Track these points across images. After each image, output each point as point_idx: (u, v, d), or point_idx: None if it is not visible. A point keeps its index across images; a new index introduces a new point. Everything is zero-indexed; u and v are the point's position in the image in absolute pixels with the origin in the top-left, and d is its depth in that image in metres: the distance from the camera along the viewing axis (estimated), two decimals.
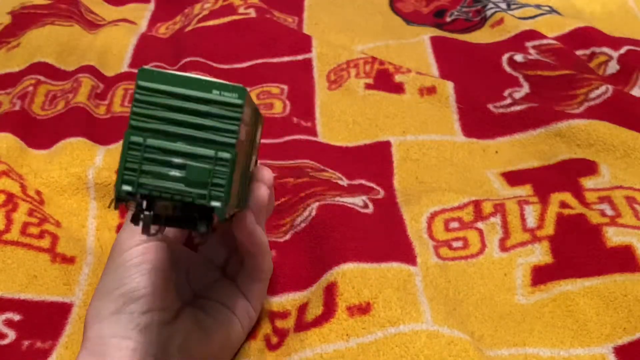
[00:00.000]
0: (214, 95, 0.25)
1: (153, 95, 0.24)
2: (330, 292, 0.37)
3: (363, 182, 0.47)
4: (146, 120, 0.24)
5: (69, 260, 0.41)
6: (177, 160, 0.24)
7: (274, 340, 0.37)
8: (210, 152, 0.24)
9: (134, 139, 0.24)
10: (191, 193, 0.24)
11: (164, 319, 0.32)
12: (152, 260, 0.32)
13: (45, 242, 0.42)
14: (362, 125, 0.52)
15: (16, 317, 0.38)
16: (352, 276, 0.38)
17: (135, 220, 0.25)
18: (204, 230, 0.25)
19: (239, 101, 0.25)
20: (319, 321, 0.36)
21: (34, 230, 0.42)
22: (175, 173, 0.24)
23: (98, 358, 0.31)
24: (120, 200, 0.24)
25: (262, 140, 0.50)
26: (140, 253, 0.32)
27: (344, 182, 0.47)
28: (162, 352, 0.32)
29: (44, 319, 0.39)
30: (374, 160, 0.49)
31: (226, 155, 0.25)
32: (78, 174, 0.47)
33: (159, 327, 0.32)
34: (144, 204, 0.25)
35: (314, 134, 0.51)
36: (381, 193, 0.46)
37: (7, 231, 0.41)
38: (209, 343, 0.34)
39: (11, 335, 0.37)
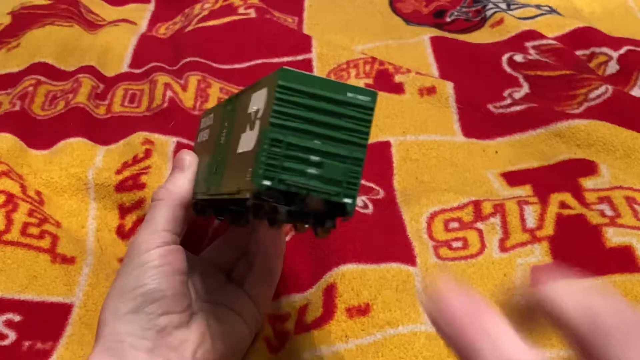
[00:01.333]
0: (349, 97, 0.25)
1: (292, 94, 0.25)
2: (329, 293, 0.37)
3: (363, 182, 0.47)
4: (286, 119, 0.25)
5: (69, 260, 0.41)
6: (314, 158, 0.25)
7: (275, 343, 0.37)
8: (345, 152, 0.25)
9: (276, 136, 0.24)
10: (328, 190, 0.25)
11: (180, 323, 0.32)
12: (172, 262, 0.32)
13: (45, 243, 0.42)
14: None
15: (16, 318, 0.38)
16: (351, 277, 0.38)
17: (257, 214, 0.26)
18: (331, 226, 0.26)
19: (371, 104, 0.26)
20: (318, 323, 0.36)
21: (34, 230, 0.42)
22: (312, 170, 0.25)
23: (113, 355, 0.31)
24: (257, 197, 0.25)
25: None
26: (160, 255, 0.32)
27: None
28: (177, 356, 0.32)
29: (44, 320, 0.39)
30: (373, 161, 0.49)
31: (359, 155, 0.26)
32: (78, 174, 0.47)
33: (175, 330, 0.32)
34: (279, 199, 0.25)
35: None
36: (381, 193, 0.46)
37: (7, 231, 0.41)
38: (221, 349, 0.34)
39: (11, 335, 0.37)
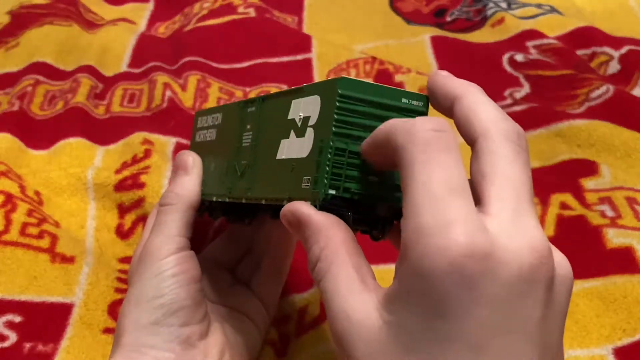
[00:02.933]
0: (404, 103, 0.26)
1: (352, 103, 0.25)
2: None
3: None
4: (347, 127, 0.25)
5: (68, 259, 0.41)
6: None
7: (279, 346, 0.37)
8: None
9: (340, 145, 0.25)
10: (391, 196, 0.25)
11: (201, 333, 0.32)
12: (188, 270, 0.32)
13: (44, 242, 0.41)
14: None
15: (17, 319, 0.38)
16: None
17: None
18: (387, 231, 0.27)
19: (423, 108, 0.26)
20: (316, 322, 0.36)
21: (33, 230, 0.42)
22: (372, 177, 0.25)
23: None
24: (323, 206, 0.25)
25: None
26: (177, 262, 0.31)
27: None
28: None
29: (45, 321, 0.38)
30: None
31: None
32: (77, 174, 0.46)
33: (196, 341, 0.31)
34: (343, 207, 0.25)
35: None
36: None
37: (6, 232, 0.41)
38: (238, 356, 0.34)
39: (12, 337, 0.37)
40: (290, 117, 0.28)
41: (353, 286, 0.22)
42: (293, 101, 0.28)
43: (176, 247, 0.32)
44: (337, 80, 0.25)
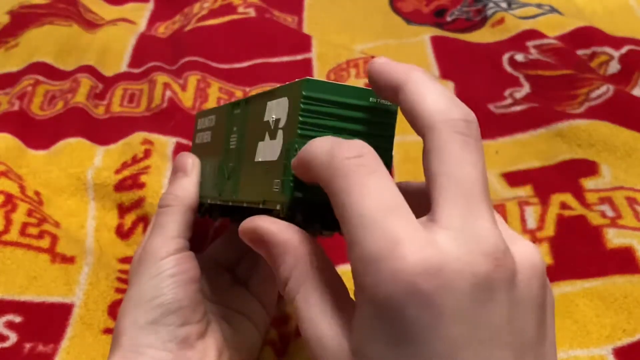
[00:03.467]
0: (372, 102, 0.25)
1: (317, 104, 0.24)
2: None
3: None
4: (312, 129, 0.24)
5: (68, 260, 0.41)
6: None
7: (279, 346, 0.37)
8: None
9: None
10: None
11: (199, 333, 0.32)
12: (187, 270, 0.32)
13: (44, 243, 0.41)
14: None
15: (17, 319, 0.38)
16: (350, 277, 0.37)
17: (291, 218, 0.25)
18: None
19: (394, 107, 0.25)
20: None
21: (33, 230, 0.42)
22: None
23: None
24: (290, 208, 0.24)
25: None
26: (176, 263, 0.32)
27: None
28: None
29: (45, 321, 0.38)
30: None
31: (387, 160, 0.25)
32: (77, 174, 0.46)
33: (195, 341, 0.31)
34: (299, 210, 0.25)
35: None
36: None
37: (6, 232, 0.41)
38: (237, 356, 0.34)
39: (12, 337, 0.37)
40: (265, 119, 0.27)
41: (325, 309, 0.22)
42: (267, 103, 0.27)
43: (175, 247, 0.32)
44: (302, 81, 0.24)
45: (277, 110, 0.26)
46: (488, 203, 0.21)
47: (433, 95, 0.22)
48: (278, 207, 0.25)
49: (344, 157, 0.21)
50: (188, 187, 0.34)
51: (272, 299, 0.37)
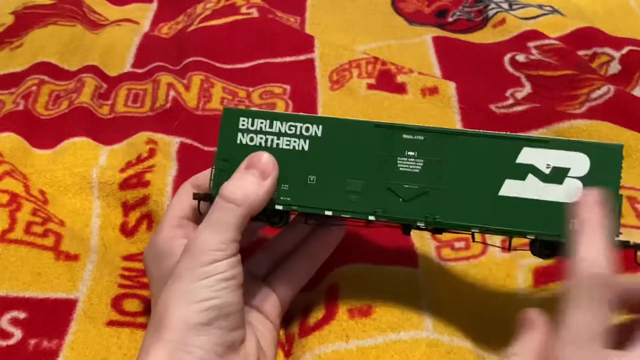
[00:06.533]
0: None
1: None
2: (331, 293, 0.38)
3: None
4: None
5: (72, 257, 0.42)
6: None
7: (287, 346, 0.37)
8: None
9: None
10: None
11: (243, 337, 0.32)
12: (238, 275, 0.32)
13: (49, 241, 0.42)
14: None
15: (21, 315, 0.38)
16: (353, 278, 0.38)
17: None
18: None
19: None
20: (320, 324, 0.36)
21: (37, 229, 0.42)
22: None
23: None
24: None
25: None
26: (229, 267, 0.31)
27: None
28: None
29: (49, 317, 0.39)
30: None
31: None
32: (82, 173, 0.47)
33: (239, 346, 0.32)
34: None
35: None
36: None
37: (11, 230, 0.41)
38: (268, 357, 0.34)
39: (17, 334, 0.38)
40: (520, 161, 0.32)
41: None
42: (525, 148, 0.32)
43: (231, 252, 0.31)
44: (617, 147, 0.32)
45: (557, 160, 0.32)
46: None
47: None
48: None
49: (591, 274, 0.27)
50: (260, 191, 0.32)
51: (289, 298, 0.37)
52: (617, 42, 0.57)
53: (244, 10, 0.63)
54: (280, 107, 0.53)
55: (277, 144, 0.35)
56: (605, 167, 0.32)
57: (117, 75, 0.57)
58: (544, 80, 0.54)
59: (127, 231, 0.44)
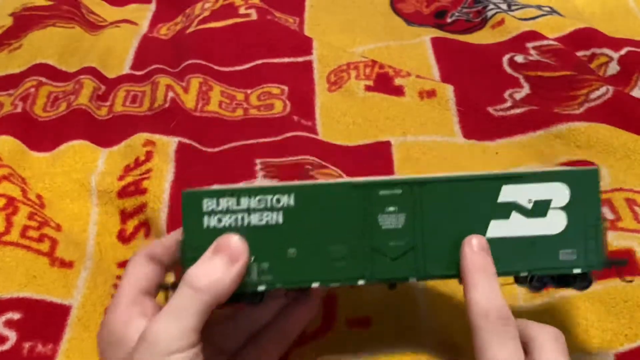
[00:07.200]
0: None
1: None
2: (329, 304, 0.37)
3: None
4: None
5: (67, 264, 0.41)
6: None
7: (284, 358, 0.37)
8: None
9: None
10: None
11: None
12: None
13: (44, 246, 0.42)
14: (362, 126, 0.52)
15: (16, 316, 0.38)
16: (351, 288, 0.38)
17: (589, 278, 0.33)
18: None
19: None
20: (317, 334, 0.36)
21: (33, 233, 0.42)
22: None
23: None
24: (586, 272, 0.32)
25: (261, 139, 0.50)
26: (189, 358, 0.28)
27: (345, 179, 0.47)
28: None
29: (44, 318, 0.39)
30: (374, 160, 0.49)
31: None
32: (81, 180, 0.47)
33: None
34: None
35: (315, 132, 0.51)
36: None
37: (7, 233, 0.41)
38: None
39: (12, 337, 0.37)
40: (502, 200, 0.31)
41: None
42: (503, 186, 0.31)
43: (189, 343, 0.28)
44: (592, 170, 0.31)
45: (536, 193, 0.31)
46: None
47: None
48: (579, 271, 0.31)
49: None
50: (226, 279, 0.29)
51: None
52: (615, 43, 0.57)
53: (242, 10, 0.63)
54: (278, 107, 0.53)
55: (249, 222, 0.31)
56: (585, 193, 0.31)
57: (115, 77, 0.57)
58: (542, 81, 0.54)
59: (125, 238, 0.44)
